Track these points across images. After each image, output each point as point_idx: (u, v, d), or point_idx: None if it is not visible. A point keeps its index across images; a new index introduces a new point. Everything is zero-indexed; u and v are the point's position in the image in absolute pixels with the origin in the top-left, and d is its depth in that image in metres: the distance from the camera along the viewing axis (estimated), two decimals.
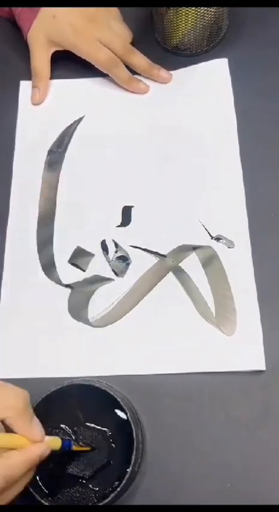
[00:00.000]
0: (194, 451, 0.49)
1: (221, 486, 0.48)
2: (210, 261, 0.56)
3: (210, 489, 0.48)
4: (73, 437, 0.48)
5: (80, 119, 0.66)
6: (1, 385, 0.42)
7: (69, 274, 0.57)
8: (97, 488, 0.47)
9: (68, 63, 0.67)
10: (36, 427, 0.42)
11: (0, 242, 0.59)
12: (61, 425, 0.49)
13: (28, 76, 0.67)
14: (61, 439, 0.45)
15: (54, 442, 0.44)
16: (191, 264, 0.56)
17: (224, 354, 0.52)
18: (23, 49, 0.67)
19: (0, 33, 0.72)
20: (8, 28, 0.71)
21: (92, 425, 0.49)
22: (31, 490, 0.45)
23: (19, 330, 0.55)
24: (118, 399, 0.47)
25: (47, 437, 0.43)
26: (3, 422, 0.40)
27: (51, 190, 0.62)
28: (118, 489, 0.45)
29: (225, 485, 0.48)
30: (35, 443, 0.41)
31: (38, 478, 0.47)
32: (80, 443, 0.47)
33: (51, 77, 0.68)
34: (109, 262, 0.58)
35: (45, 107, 0.67)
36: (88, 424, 0.49)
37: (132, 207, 0.60)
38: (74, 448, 0.46)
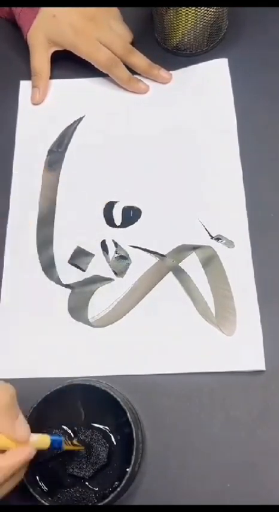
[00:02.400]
0: (194, 451, 0.49)
1: (221, 486, 0.48)
2: (210, 261, 0.56)
3: (210, 489, 0.48)
4: (72, 436, 0.48)
5: (80, 119, 0.66)
6: None
7: (69, 274, 0.57)
8: (97, 488, 0.47)
9: (68, 63, 0.67)
10: (20, 427, 0.40)
11: (0, 242, 0.59)
12: (62, 425, 0.49)
13: (28, 76, 0.67)
14: (51, 437, 0.43)
15: (42, 442, 0.42)
16: (191, 264, 0.56)
17: (224, 354, 0.52)
18: (23, 49, 0.67)
19: (0, 33, 0.72)
20: (8, 28, 0.71)
21: (92, 425, 0.49)
22: (31, 490, 0.45)
23: (19, 330, 0.55)
24: (118, 399, 0.47)
25: (35, 436, 0.41)
26: None
27: (51, 190, 0.62)
28: (118, 489, 0.44)
29: (225, 485, 0.48)
30: (19, 443, 0.39)
31: (37, 478, 0.47)
32: (74, 440, 0.47)
33: (51, 77, 0.68)
34: (109, 262, 0.58)
35: (45, 106, 0.67)
36: (88, 424, 0.49)
37: (132, 207, 0.60)
38: (65, 447, 0.44)
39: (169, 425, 0.50)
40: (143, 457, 0.48)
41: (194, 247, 0.57)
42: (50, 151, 0.64)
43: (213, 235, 0.57)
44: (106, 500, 0.44)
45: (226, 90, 0.65)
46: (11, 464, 0.38)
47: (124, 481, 0.45)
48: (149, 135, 0.64)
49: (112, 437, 0.48)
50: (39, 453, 0.47)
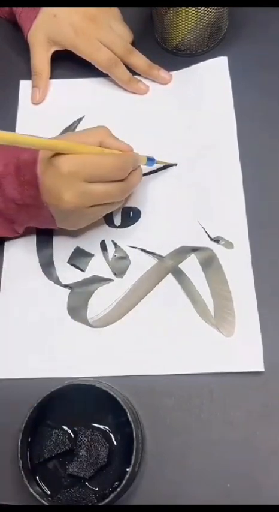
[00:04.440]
0: (194, 451, 0.49)
1: (221, 486, 0.48)
2: (209, 262, 0.56)
3: (210, 489, 0.48)
4: (72, 436, 0.48)
5: (80, 119, 0.66)
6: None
7: (68, 274, 0.57)
8: (97, 488, 0.47)
9: (68, 63, 0.67)
10: (123, 143, 0.53)
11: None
12: (62, 425, 0.49)
13: (28, 76, 0.67)
14: (147, 156, 0.58)
15: (141, 158, 0.56)
16: (191, 266, 0.56)
17: (223, 354, 0.52)
18: (23, 49, 0.67)
19: (0, 33, 0.72)
20: (8, 28, 0.71)
21: (92, 425, 0.49)
22: (31, 490, 0.45)
23: (19, 330, 0.55)
24: (118, 399, 0.47)
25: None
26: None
27: None
28: (118, 489, 0.45)
29: (225, 485, 0.48)
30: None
31: (37, 478, 0.47)
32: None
33: (51, 77, 0.67)
34: (108, 262, 0.58)
35: (45, 106, 0.67)
36: (88, 424, 0.49)
37: (132, 208, 0.60)
38: (156, 161, 0.59)
39: (169, 425, 0.50)
40: (143, 457, 0.49)
41: (194, 249, 0.57)
42: None
43: (212, 237, 0.57)
44: (106, 500, 0.44)
45: (225, 89, 0.65)
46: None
47: (124, 481, 0.45)
48: (148, 136, 0.63)
49: (112, 437, 0.48)
50: (40, 453, 0.47)
